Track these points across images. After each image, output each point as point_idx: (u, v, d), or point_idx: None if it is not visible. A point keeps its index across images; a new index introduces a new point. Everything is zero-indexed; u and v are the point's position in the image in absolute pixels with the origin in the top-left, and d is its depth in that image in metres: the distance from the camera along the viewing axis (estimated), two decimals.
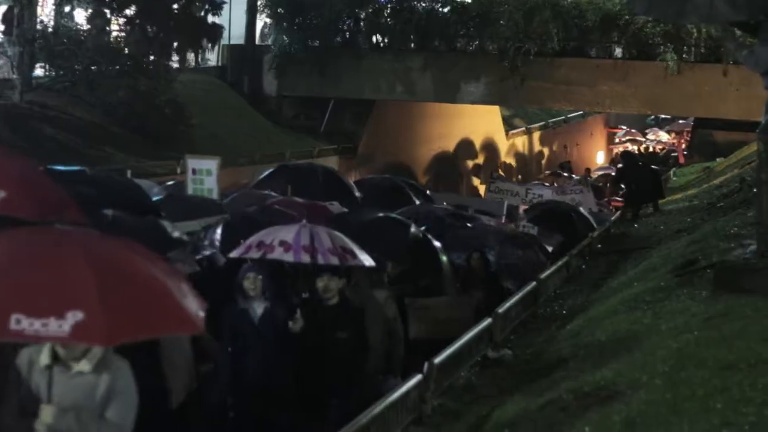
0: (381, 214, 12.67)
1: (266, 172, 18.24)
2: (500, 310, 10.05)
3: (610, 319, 9.62)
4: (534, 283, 11.82)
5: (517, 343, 10.09)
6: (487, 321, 9.60)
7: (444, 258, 12.13)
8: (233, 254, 9.29)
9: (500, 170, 37.56)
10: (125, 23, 28.43)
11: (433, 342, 9.75)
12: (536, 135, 47.17)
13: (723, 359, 6.77)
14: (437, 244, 12.28)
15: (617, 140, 51.25)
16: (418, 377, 7.36)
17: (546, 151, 48.24)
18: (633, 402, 6.37)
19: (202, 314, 4.89)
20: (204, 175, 14.05)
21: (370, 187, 17.95)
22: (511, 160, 43.85)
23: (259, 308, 8.61)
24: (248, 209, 12.48)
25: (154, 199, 12.07)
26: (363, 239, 9.81)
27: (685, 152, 44.27)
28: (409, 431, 7.14)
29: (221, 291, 8.91)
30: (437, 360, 7.82)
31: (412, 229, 12.20)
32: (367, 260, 9.21)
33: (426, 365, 7.65)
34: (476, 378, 8.72)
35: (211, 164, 14.22)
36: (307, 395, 8.33)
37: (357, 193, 16.56)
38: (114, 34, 28.71)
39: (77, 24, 26.77)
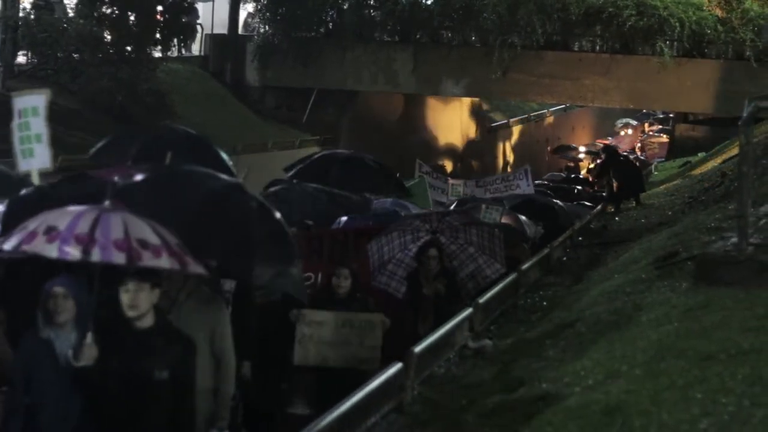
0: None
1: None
2: (481, 301, 10.04)
3: (590, 310, 9.63)
4: (515, 273, 11.81)
5: (498, 333, 10.09)
6: (468, 311, 9.59)
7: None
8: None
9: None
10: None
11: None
12: (517, 128, 47.26)
13: (703, 350, 6.79)
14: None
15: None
16: (399, 366, 7.34)
17: (528, 143, 48.33)
18: (612, 392, 6.37)
19: None
20: (30, 116, 10.03)
21: (326, 159, 16.79)
22: (492, 153, 43.90)
23: (67, 341, 5.98)
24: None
25: None
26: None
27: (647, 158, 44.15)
28: (389, 419, 7.13)
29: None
30: (417, 349, 7.80)
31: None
32: (194, 267, 5.85)
33: (406, 354, 7.62)
34: (456, 368, 8.71)
35: (37, 101, 10.10)
36: None
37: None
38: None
39: (65, 7, 26.57)
